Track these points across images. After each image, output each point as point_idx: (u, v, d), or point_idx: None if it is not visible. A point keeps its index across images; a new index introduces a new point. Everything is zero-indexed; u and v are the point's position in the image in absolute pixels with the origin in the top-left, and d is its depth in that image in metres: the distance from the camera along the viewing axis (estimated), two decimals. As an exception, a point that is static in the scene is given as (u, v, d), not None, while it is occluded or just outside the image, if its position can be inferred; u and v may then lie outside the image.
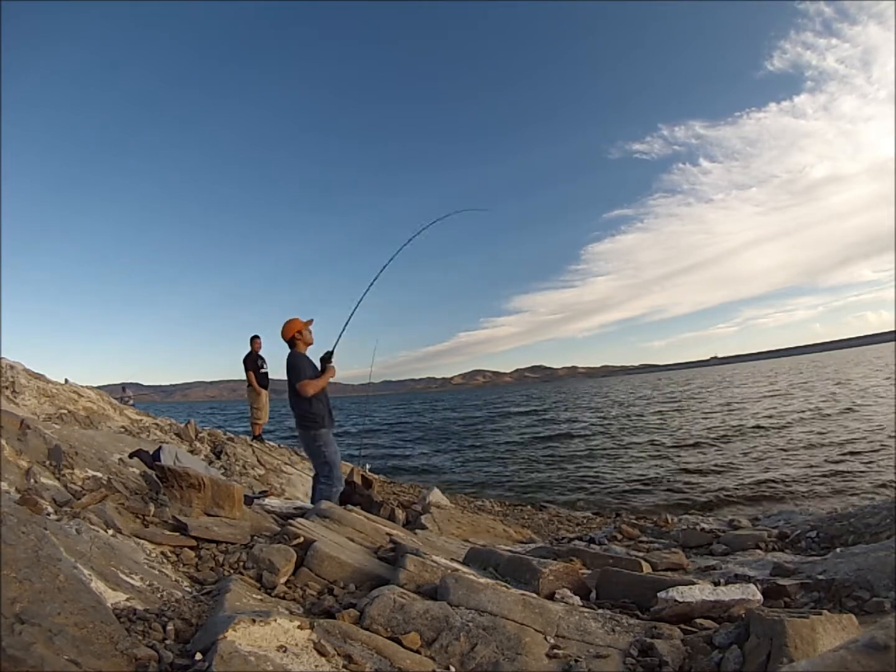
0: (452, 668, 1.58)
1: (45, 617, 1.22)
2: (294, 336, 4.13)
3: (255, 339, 8.02)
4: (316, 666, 1.39)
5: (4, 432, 2.79)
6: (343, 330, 4.54)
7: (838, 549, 3.19)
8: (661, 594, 2.03)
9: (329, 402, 4.20)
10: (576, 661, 1.64)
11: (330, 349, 4.30)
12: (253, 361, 7.87)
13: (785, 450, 10.91)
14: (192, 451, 5.96)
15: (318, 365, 4.22)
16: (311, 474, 6.16)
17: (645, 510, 7.46)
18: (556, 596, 2.20)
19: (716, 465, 10.23)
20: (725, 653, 1.55)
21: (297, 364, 4.05)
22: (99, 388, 8.53)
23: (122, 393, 15.16)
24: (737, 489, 8.20)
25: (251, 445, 7.39)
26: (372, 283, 4.81)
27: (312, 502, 4.02)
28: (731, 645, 1.59)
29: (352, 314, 4.64)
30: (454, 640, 1.67)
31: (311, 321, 4.27)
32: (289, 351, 4.16)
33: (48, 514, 2.11)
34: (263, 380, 8.01)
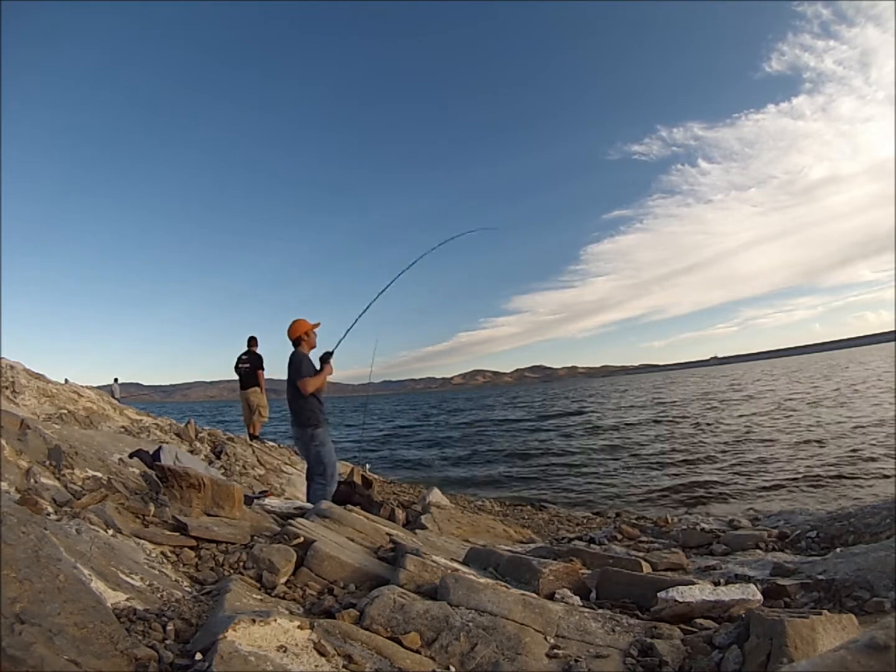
0: (452, 668, 1.58)
1: (45, 617, 1.22)
2: (301, 337, 4.19)
3: (253, 340, 8.09)
4: (316, 666, 1.39)
5: (4, 432, 2.79)
6: (345, 335, 4.62)
7: (838, 549, 3.19)
8: (661, 594, 2.03)
9: (323, 402, 4.25)
10: (576, 661, 1.64)
11: (330, 349, 4.38)
12: (262, 363, 7.97)
13: (785, 449, 10.91)
14: (192, 451, 5.96)
15: (318, 365, 4.25)
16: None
17: (645, 510, 7.46)
18: (556, 596, 2.20)
19: (717, 465, 10.22)
20: (725, 653, 1.55)
21: (299, 362, 4.12)
22: (98, 388, 8.55)
23: (112, 385, 15.39)
24: (737, 489, 8.20)
25: (251, 445, 7.39)
26: (378, 296, 4.89)
27: (309, 501, 4.04)
28: (731, 645, 1.59)
29: (354, 322, 4.71)
30: (454, 640, 1.67)
31: (317, 324, 4.31)
32: (292, 350, 4.21)
33: (48, 514, 2.11)
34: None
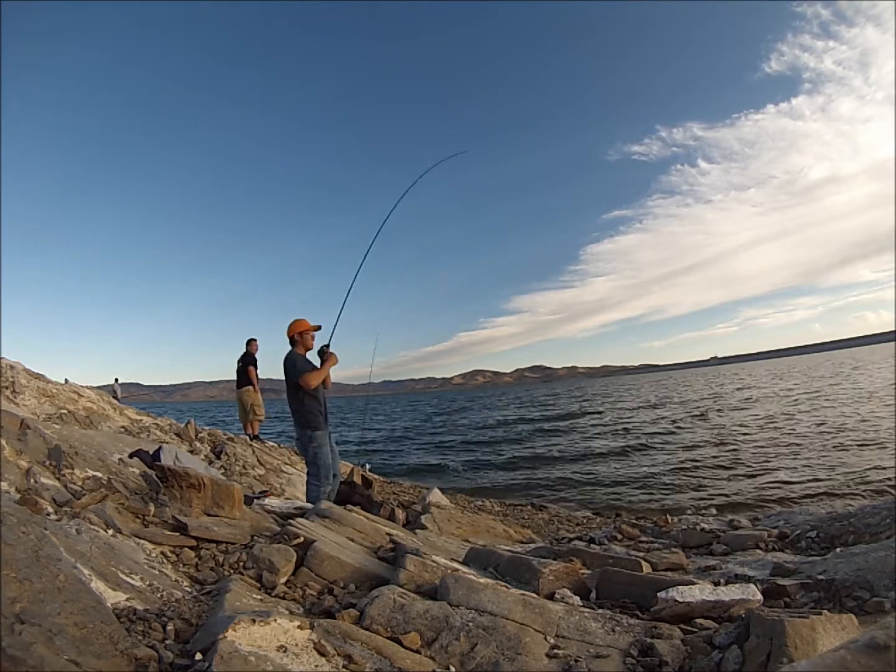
0: (452, 668, 1.58)
1: (45, 617, 1.22)
2: (295, 336, 4.18)
3: (252, 342, 8.13)
4: (316, 666, 1.39)
5: (4, 432, 2.79)
6: (342, 306, 4.51)
7: (838, 549, 3.19)
8: (661, 594, 2.03)
9: (326, 404, 4.25)
10: (576, 661, 1.64)
11: (326, 342, 4.30)
12: (255, 361, 8.02)
13: (785, 449, 10.90)
14: (192, 451, 5.96)
15: (319, 364, 4.24)
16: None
17: (645, 510, 7.45)
18: (556, 596, 2.20)
19: (717, 465, 10.21)
20: (725, 653, 1.55)
21: (293, 361, 4.11)
22: (99, 388, 8.55)
23: (114, 384, 15.54)
24: (737, 489, 8.19)
25: (251, 445, 7.39)
26: (368, 251, 4.89)
27: (307, 501, 4.06)
28: (731, 645, 1.59)
29: (352, 285, 4.65)
30: (454, 640, 1.67)
31: (318, 328, 4.28)
32: (288, 350, 4.21)
33: (48, 514, 2.11)
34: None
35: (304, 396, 4.07)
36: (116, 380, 16.46)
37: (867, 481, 7.80)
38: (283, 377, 4.18)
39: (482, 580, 2.12)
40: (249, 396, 8.01)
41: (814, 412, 16.50)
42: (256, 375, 8.05)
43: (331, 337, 4.35)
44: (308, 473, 4.24)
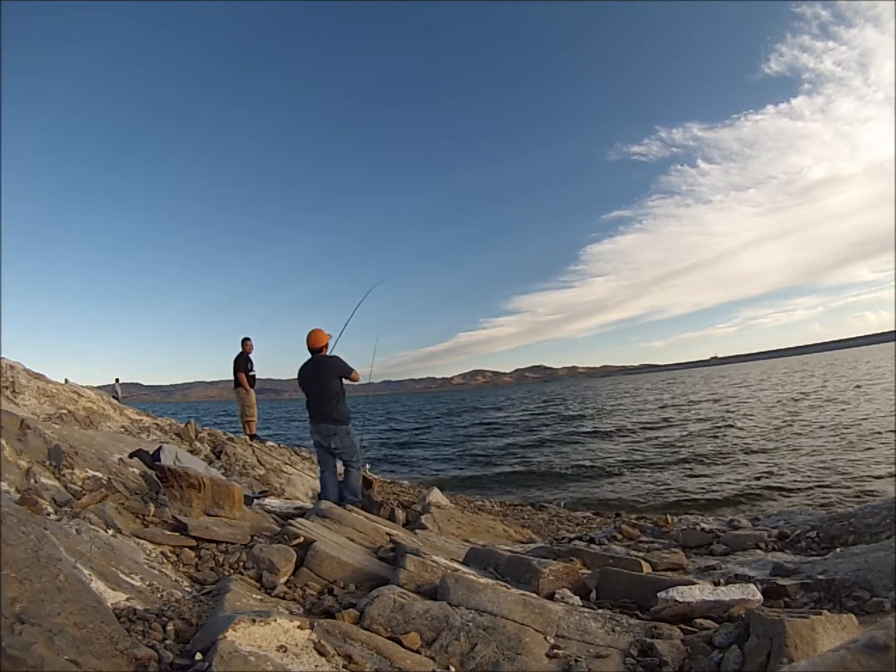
0: (452, 668, 1.58)
1: (45, 617, 1.22)
2: (324, 346, 4.50)
3: (246, 341, 8.16)
4: (316, 666, 1.39)
5: (4, 432, 2.79)
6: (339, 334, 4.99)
7: (838, 549, 3.19)
8: (661, 594, 2.03)
9: None
10: (576, 661, 1.64)
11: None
12: (245, 362, 8.06)
13: (786, 450, 10.90)
14: (192, 451, 5.95)
15: None
16: (312, 474, 6.25)
17: (645, 510, 7.45)
18: (556, 596, 2.20)
19: (717, 465, 10.20)
20: (725, 653, 1.56)
21: (341, 361, 4.45)
22: (99, 388, 8.55)
23: (114, 384, 15.57)
24: (737, 489, 8.19)
25: (251, 445, 7.38)
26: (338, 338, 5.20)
27: (348, 489, 4.30)
28: (731, 645, 1.59)
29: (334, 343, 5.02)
30: (454, 640, 1.67)
31: (329, 336, 4.62)
32: (314, 356, 4.47)
33: (48, 514, 2.11)
34: (251, 381, 8.22)
35: (340, 395, 4.34)
36: (117, 380, 16.45)
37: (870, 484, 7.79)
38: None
39: (482, 580, 2.12)
40: (239, 397, 8.10)
41: (836, 413, 16.16)
42: (248, 376, 8.08)
43: (334, 346, 4.81)
44: (351, 463, 4.42)
